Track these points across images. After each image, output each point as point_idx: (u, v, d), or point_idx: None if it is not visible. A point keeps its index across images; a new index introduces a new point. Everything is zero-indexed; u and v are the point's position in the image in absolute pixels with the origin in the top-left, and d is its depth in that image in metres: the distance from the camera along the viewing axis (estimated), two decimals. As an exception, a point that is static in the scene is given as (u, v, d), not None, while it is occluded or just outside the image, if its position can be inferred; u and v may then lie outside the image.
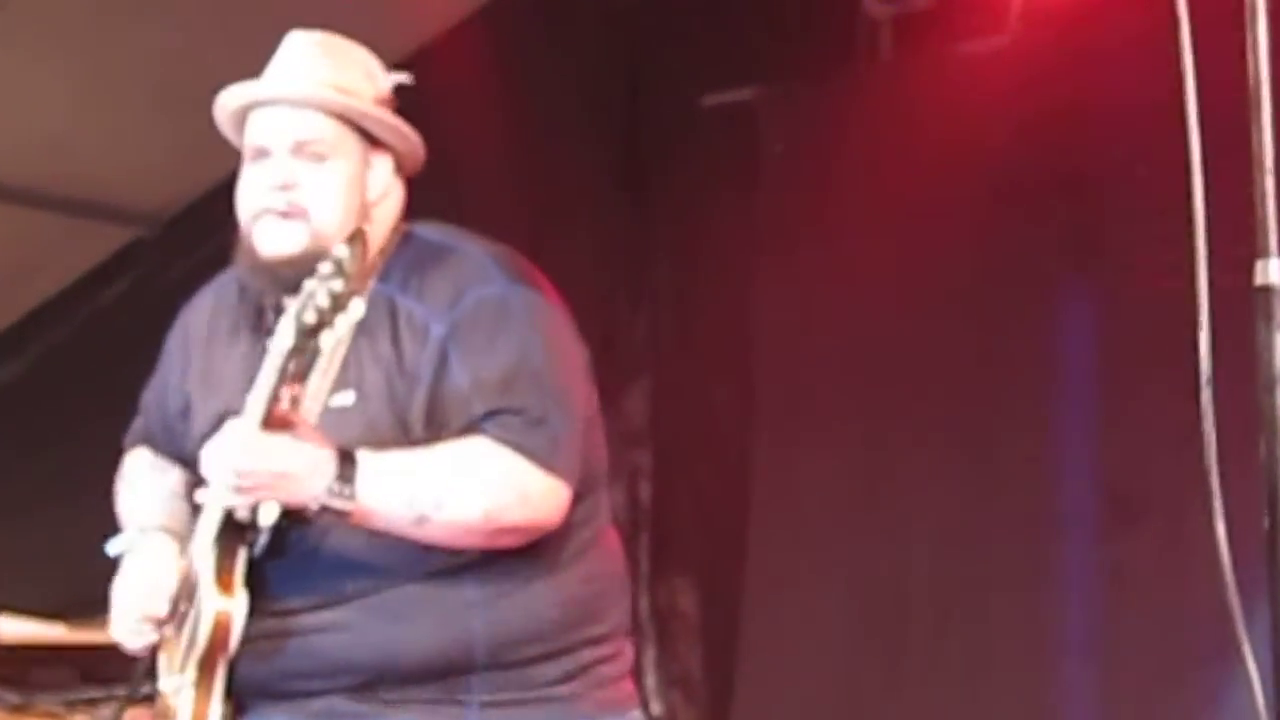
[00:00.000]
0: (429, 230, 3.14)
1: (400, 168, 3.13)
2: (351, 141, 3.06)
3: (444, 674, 2.95)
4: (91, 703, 4.69)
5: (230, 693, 2.97)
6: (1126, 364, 5.02)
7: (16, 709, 4.70)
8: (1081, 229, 5.09)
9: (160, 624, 3.03)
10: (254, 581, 2.94)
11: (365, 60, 3.15)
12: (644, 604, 5.77)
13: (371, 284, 3.01)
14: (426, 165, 3.17)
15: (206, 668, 2.93)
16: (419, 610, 2.94)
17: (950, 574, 5.27)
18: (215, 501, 2.92)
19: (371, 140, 3.09)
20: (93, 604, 3.89)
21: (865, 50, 5.71)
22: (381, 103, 3.12)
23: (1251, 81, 2.39)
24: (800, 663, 5.50)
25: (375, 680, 2.94)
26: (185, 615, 2.98)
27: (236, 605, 2.92)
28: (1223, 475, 2.44)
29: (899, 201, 5.37)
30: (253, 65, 3.13)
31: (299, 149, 3.03)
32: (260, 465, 2.83)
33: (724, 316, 5.85)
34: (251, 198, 3.05)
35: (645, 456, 5.94)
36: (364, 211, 3.05)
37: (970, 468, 5.24)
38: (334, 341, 2.82)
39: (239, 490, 2.87)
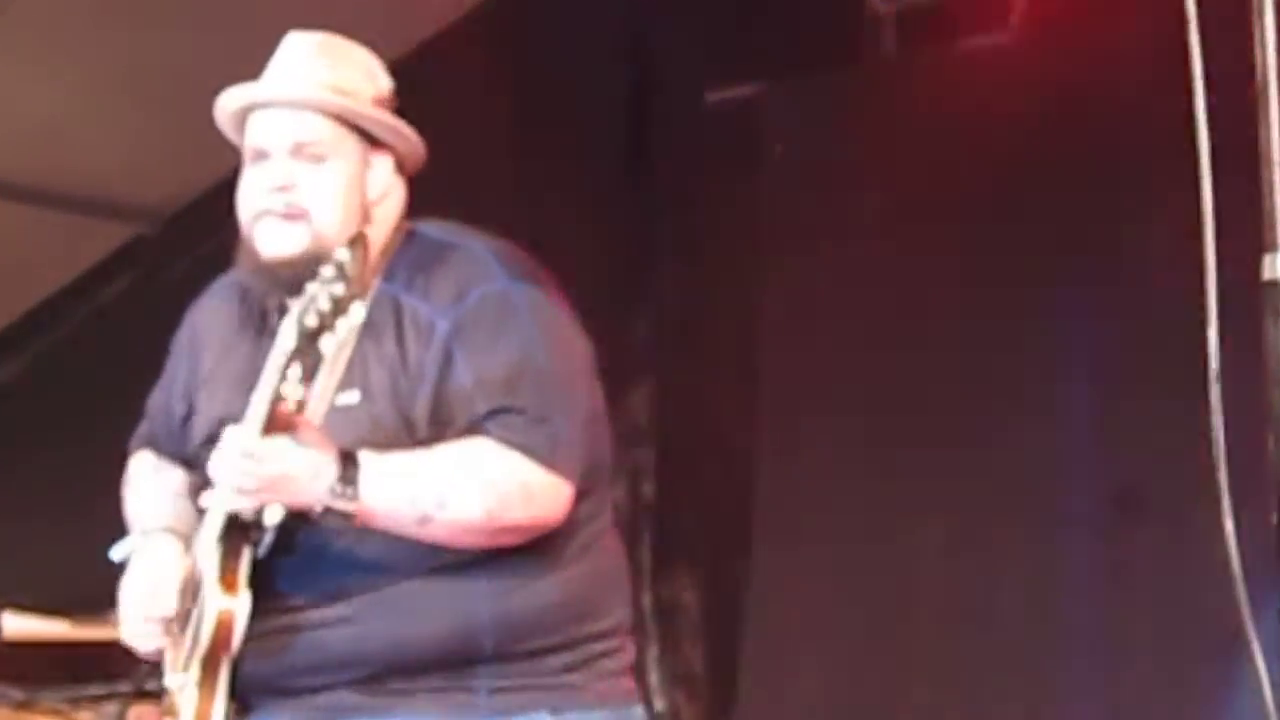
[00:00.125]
0: (432, 228, 3.13)
1: (401, 167, 3.13)
2: (351, 142, 3.06)
3: (451, 664, 2.95)
4: (95, 700, 4.69)
5: (235, 691, 2.96)
6: (1130, 362, 5.02)
7: (21, 705, 4.70)
8: (1085, 226, 5.09)
9: (167, 624, 3.03)
10: (259, 580, 2.94)
11: (365, 60, 3.14)
12: (647, 601, 5.77)
13: (376, 283, 3.01)
14: (429, 163, 3.16)
15: (210, 666, 2.93)
16: (426, 604, 2.94)
17: (954, 572, 5.27)
18: (219, 504, 2.92)
19: (371, 140, 3.08)
20: (96, 601, 3.89)
21: (869, 47, 5.71)
22: (381, 102, 3.11)
23: (1259, 77, 2.38)
24: (803, 660, 5.50)
25: (383, 673, 2.94)
26: (189, 614, 2.98)
27: (240, 604, 2.92)
28: (1228, 472, 2.43)
29: (903, 198, 5.37)
30: (254, 63, 3.13)
31: (298, 150, 3.02)
32: (263, 468, 2.83)
33: (728, 314, 5.84)
34: (251, 199, 3.05)
35: (648, 454, 5.94)
36: (365, 212, 3.05)
37: (974, 466, 5.23)
38: (335, 345, 2.81)
39: (242, 493, 2.87)
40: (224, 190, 3.22)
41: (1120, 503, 5.01)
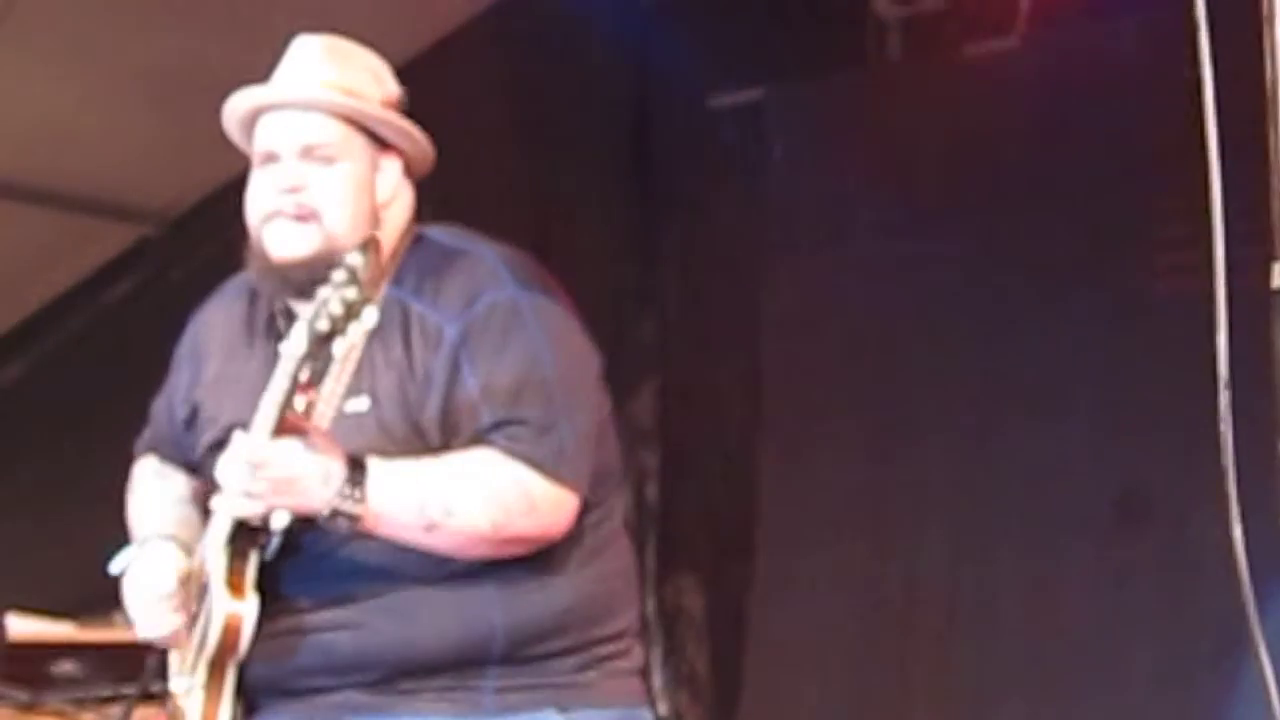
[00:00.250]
0: (440, 233, 3.13)
1: (409, 170, 3.13)
2: (359, 144, 3.05)
3: (460, 666, 2.95)
4: (101, 701, 4.69)
5: (241, 693, 2.96)
6: (1133, 366, 5.02)
7: (26, 707, 4.70)
8: (1091, 230, 5.09)
9: (175, 601, 3.01)
10: (266, 583, 2.94)
11: (373, 64, 3.14)
12: (651, 604, 5.77)
13: (384, 288, 3.01)
14: (435, 166, 3.16)
15: (216, 669, 2.93)
16: (435, 609, 2.93)
17: (957, 575, 5.27)
18: (227, 508, 2.92)
19: (380, 143, 3.08)
20: (100, 602, 3.89)
21: (874, 51, 5.72)
22: (389, 105, 3.10)
23: (1268, 83, 2.38)
24: (807, 662, 5.50)
25: (391, 676, 2.94)
26: (197, 617, 2.98)
27: (247, 608, 2.92)
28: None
29: (907, 202, 5.37)
30: (261, 65, 3.13)
31: (307, 152, 3.02)
32: (271, 473, 2.82)
33: (732, 317, 5.85)
34: (261, 201, 3.04)
35: (653, 457, 5.94)
36: (374, 214, 3.05)
37: (978, 469, 5.23)
38: (346, 348, 2.81)
39: (250, 496, 2.86)
40: (229, 193, 3.22)
41: (1123, 508, 5.02)
